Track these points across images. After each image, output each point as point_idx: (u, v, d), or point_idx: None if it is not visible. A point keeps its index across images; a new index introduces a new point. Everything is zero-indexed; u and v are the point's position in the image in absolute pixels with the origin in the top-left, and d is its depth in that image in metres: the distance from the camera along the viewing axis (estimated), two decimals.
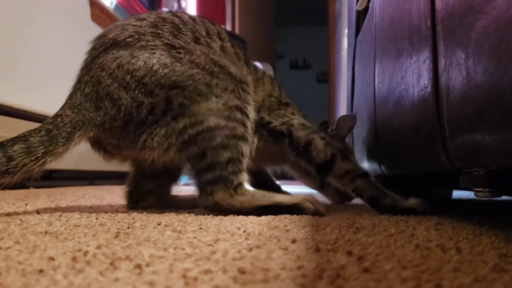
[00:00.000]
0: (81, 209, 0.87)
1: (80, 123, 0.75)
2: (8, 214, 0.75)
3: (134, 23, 0.82)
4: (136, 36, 0.79)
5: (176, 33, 0.81)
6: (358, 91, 1.43)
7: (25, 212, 0.79)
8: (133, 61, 0.76)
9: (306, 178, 1.07)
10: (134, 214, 0.78)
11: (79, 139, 0.75)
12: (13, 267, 0.36)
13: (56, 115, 0.76)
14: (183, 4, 3.47)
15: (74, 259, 0.39)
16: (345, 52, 3.45)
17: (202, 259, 0.39)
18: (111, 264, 0.37)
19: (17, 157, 0.69)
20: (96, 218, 0.70)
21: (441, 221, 0.72)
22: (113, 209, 0.88)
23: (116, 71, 0.75)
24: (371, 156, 1.16)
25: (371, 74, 1.14)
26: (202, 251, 0.43)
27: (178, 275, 0.34)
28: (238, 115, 0.77)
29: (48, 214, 0.76)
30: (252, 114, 0.81)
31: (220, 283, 0.32)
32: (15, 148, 0.70)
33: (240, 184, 0.75)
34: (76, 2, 2.29)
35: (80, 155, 0.82)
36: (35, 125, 0.75)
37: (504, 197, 1.37)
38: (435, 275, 0.34)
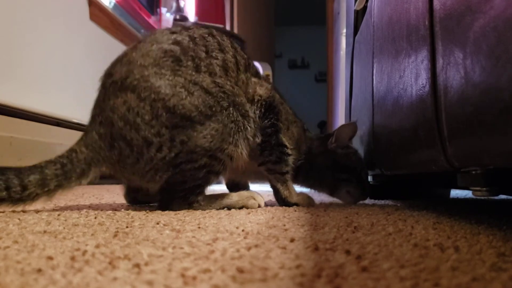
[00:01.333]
0: (79, 208, 0.87)
1: (96, 160, 0.82)
2: (7, 214, 0.75)
3: (139, 62, 0.85)
4: (142, 79, 0.83)
5: (177, 67, 0.85)
6: (357, 91, 1.43)
7: (23, 211, 0.79)
8: (141, 104, 0.81)
9: (319, 188, 1.12)
10: (133, 213, 0.78)
11: (93, 174, 0.82)
12: (11, 267, 0.36)
13: (71, 150, 0.82)
14: (182, 3, 3.46)
15: (72, 258, 0.39)
16: (344, 51, 3.45)
17: (201, 258, 0.39)
18: (110, 263, 0.37)
19: (31, 187, 0.76)
20: (95, 217, 0.70)
21: (439, 220, 0.72)
22: (112, 208, 0.88)
23: (127, 114, 0.82)
24: (369, 156, 1.16)
25: (369, 73, 1.14)
26: (200, 250, 0.43)
27: (177, 274, 0.34)
28: (222, 155, 0.85)
29: (46, 214, 0.76)
30: (241, 145, 0.89)
31: (219, 282, 0.32)
32: (31, 178, 0.76)
33: (197, 201, 0.86)
34: (74, 1, 2.28)
35: None
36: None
37: (502, 196, 1.38)
38: (433, 274, 0.34)
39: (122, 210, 0.84)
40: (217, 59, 0.90)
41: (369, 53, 1.16)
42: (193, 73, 0.85)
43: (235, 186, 1.09)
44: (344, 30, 3.34)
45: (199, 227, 0.60)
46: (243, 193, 0.94)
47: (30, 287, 0.30)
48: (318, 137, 1.13)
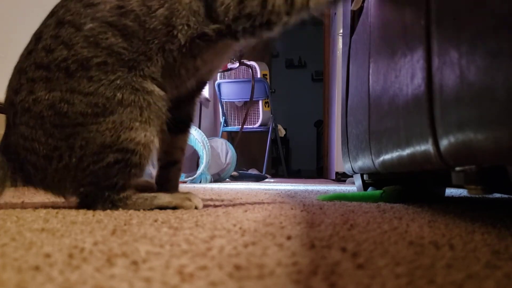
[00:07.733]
0: (77, 206, 0.87)
1: (3, 178, 0.84)
2: (5, 211, 0.75)
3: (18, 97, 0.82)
4: (23, 108, 0.81)
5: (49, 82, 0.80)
6: (353, 90, 1.43)
7: (21, 209, 0.79)
8: (34, 131, 0.80)
9: None
10: (131, 211, 0.78)
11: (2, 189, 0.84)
12: (9, 264, 0.36)
13: None
14: None
15: (70, 255, 0.39)
16: (340, 51, 3.46)
17: (198, 256, 0.40)
18: (108, 260, 0.37)
19: None
20: (93, 215, 0.70)
21: (434, 218, 0.72)
22: None
23: (27, 143, 0.81)
24: (365, 154, 1.17)
25: (366, 73, 1.14)
26: (198, 247, 0.44)
27: (174, 271, 0.34)
28: (132, 145, 0.80)
29: (44, 211, 0.76)
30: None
31: (216, 279, 0.32)
32: None
33: (121, 199, 0.81)
34: None
35: None
36: None
37: (496, 195, 1.38)
38: (428, 271, 0.34)
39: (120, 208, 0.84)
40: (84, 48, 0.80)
41: (365, 53, 1.17)
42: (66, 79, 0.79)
43: (165, 181, 1.01)
44: (341, 31, 3.35)
45: (196, 225, 0.60)
46: (177, 194, 0.88)
47: (27, 284, 0.30)
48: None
